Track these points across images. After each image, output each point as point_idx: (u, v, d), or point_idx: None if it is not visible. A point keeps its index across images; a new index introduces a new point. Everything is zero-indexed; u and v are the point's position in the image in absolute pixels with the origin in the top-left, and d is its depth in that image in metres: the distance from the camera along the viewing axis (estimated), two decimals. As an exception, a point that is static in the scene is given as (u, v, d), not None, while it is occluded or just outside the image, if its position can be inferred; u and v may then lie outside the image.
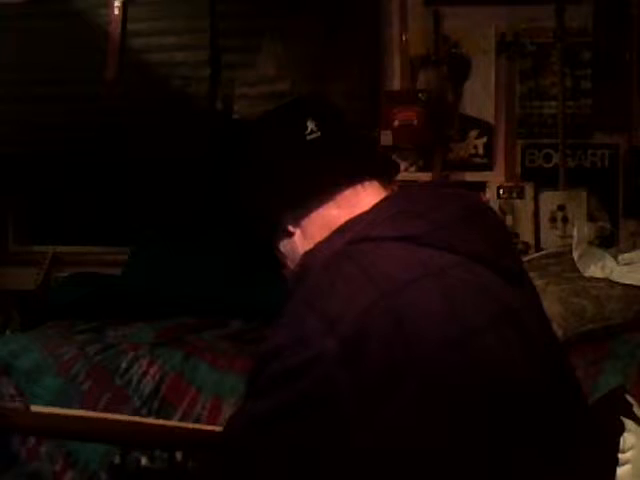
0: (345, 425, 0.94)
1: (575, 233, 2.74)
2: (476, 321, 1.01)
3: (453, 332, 0.98)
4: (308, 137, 1.19)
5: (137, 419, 1.26)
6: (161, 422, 1.23)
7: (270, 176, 1.20)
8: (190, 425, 1.23)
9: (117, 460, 1.41)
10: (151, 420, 1.24)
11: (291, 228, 1.20)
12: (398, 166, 1.33)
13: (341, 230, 1.12)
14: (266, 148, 1.23)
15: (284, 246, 1.23)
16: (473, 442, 0.97)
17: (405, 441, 0.94)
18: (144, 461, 1.31)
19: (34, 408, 1.17)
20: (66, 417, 1.19)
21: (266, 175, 1.21)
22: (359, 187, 1.18)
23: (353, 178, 1.18)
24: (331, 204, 1.17)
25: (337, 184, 1.17)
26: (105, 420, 1.22)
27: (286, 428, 0.95)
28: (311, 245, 1.17)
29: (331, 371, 0.94)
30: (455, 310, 1.00)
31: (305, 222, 1.19)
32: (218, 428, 1.24)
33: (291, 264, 1.23)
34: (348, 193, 1.18)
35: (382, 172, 1.24)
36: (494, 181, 3.26)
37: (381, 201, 1.15)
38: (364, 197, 1.18)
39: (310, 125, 1.19)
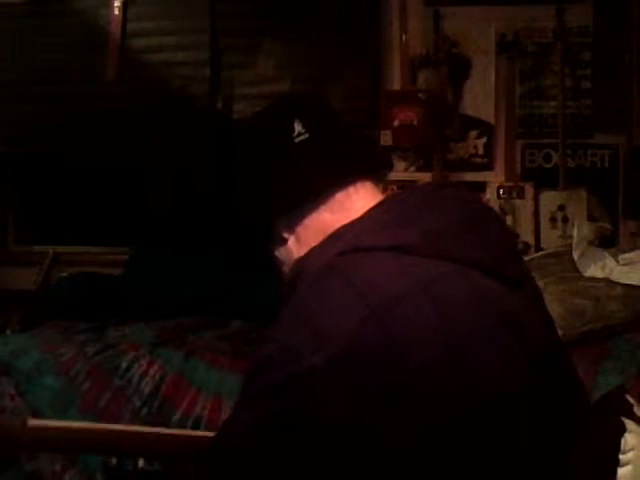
0: (335, 444, 0.93)
1: (575, 233, 2.74)
2: (469, 331, 0.99)
3: (445, 344, 0.96)
4: (296, 139, 1.16)
5: (134, 428, 1.25)
6: (159, 430, 1.22)
7: (260, 182, 1.19)
8: (188, 432, 1.22)
9: (114, 462, 1.40)
10: (148, 429, 1.22)
11: (285, 234, 1.18)
12: (391, 163, 1.31)
13: (333, 237, 1.10)
14: (254, 153, 1.21)
15: (280, 252, 1.21)
16: (471, 449, 0.96)
17: (403, 458, 0.93)
18: (141, 463, 1.30)
19: (31, 423, 1.15)
20: (64, 430, 1.17)
21: (256, 181, 1.19)
22: (351, 189, 1.16)
23: (344, 180, 1.16)
24: (323, 208, 1.15)
25: (328, 187, 1.15)
26: (103, 431, 1.20)
27: (269, 439, 0.94)
28: (305, 250, 1.15)
29: (318, 388, 0.93)
30: (447, 321, 0.98)
31: (299, 228, 1.17)
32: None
33: (287, 269, 1.22)
34: (340, 196, 1.15)
35: (374, 171, 1.22)
36: (494, 181, 3.26)
37: (374, 207, 1.12)
38: (357, 200, 1.15)
39: (297, 127, 1.16)
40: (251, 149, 1.22)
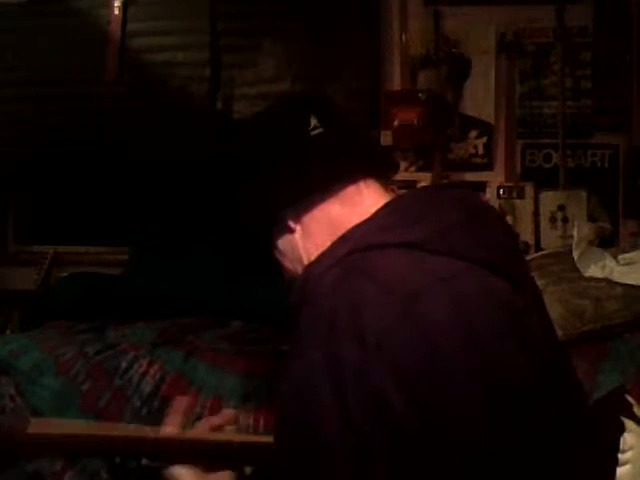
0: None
1: (575, 233, 2.74)
2: (484, 327, 1.01)
3: (463, 339, 0.98)
4: (312, 133, 1.18)
5: (138, 429, 1.23)
6: (162, 432, 1.21)
7: (273, 171, 1.19)
8: (191, 433, 1.21)
9: (118, 459, 1.39)
10: (151, 430, 1.21)
11: (292, 224, 1.19)
12: (398, 165, 1.32)
13: (341, 241, 1.11)
14: (270, 143, 1.21)
15: (283, 243, 1.21)
16: (488, 439, 0.97)
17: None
18: (145, 460, 1.30)
19: (32, 427, 1.14)
20: (67, 434, 1.16)
21: (269, 170, 1.20)
22: (362, 184, 1.18)
23: (356, 175, 1.18)
24: (334, 200, 1.17)
25: (340, 180, 1.17)
26: (107, 433, 1.19)
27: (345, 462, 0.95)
28: (311, 244, 1.16)
29: (376, 385, 0.94)
30: (464, 317, 1.00)
31: (306, 218, 1.18)
32: (216, 436, 1.23)
33: (289, 264, 1.22)
34: (351, 190, 1.17)
35: (383, 171, 1.24)
36: (494, 181, 3.26)
37: (379, 210, 1.13)
38: (367, 195, 1.17)
39: (313, 121, 1.18)
40: (267, 139, 1.22)
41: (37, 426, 1.16)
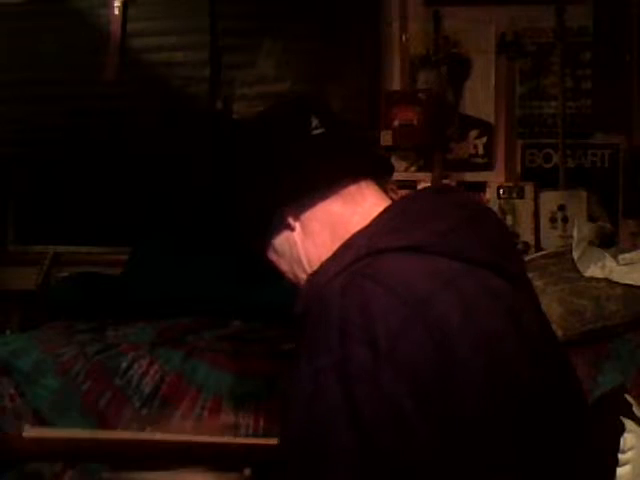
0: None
1: (575, 233, 2.73)
2: (490, 327, 1.01)
3: (473, 340, 0.98)
4: (313, 132, 1.19)
5: (133, 435, 1.23)
6: (155, 437, 1.21)
7: (275, 167, 1.19)
8: (184, 438, 1.20)
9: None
10: (146, 435, 1.21)
11: (292, 221, 1.19)
12: (393, 168, 1.33)
13: (346, 246, 1.11)
14: (272, 140, 1.22)
15: (281, 242, 1.21)
16: (498, 441, 0.97)
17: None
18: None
19: (26, 433, 1.14)
20: (61, 439, 1.15)
21: (270, 166, 1.20)
22: (363, 184, 1.19)
23: (358, 174, 1.19)
24: (335, 198, 1.17)
25: (343, 178, 1.17)
26: (100, 439, 1.19)
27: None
28: (310, 243, 1.17)
29: (389, 392, 0.93)
30: (472, 318, 1.00)
31: (307, 216, 1.18)
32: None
33: (285, 265, 1.22)
34: (353, 189, 1.18)
35: (382, 172, 1.25)
36: (494, 181, 3.26)
37: (383, 211, 1.14)
38: (368, 195, 1.18)
39: (314, 121, 1.19)
40: (268, 138, 1.23)
41: (32, 433, 1.16)
